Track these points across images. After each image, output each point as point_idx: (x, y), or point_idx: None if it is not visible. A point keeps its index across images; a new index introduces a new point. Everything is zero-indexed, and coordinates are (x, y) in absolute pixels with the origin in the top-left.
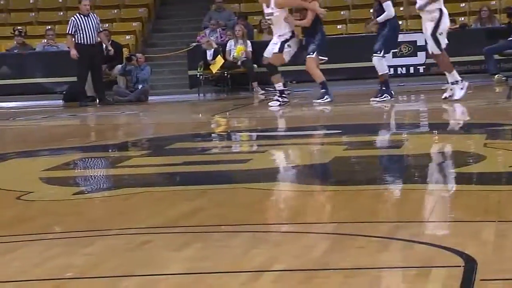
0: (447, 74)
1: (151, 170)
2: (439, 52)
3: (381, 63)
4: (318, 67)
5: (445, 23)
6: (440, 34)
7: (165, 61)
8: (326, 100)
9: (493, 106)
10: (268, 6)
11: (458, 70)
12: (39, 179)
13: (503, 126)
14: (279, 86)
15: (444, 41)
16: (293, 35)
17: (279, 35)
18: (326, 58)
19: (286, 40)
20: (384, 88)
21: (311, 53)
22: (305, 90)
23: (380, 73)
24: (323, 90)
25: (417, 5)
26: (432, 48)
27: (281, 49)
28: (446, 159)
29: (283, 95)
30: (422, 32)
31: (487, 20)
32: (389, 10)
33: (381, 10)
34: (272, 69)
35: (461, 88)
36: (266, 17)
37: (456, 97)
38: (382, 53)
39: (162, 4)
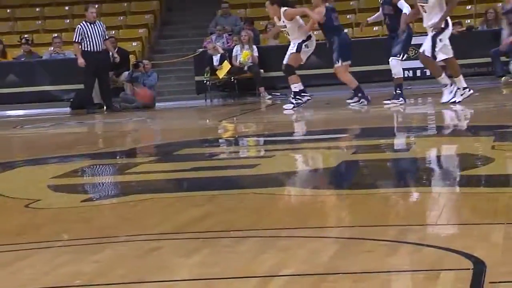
0: (438, 78)
1: (159, 176)
2: (429, 56)
3: (399, 66)
4: (348, 72)
5: (449, 31)
6: (440, 40)
7: (171, 67)
8: (362, 104)
9: (500, 108)
10: (280, 19)
11: (465, 73)
12: (47, 186)
13: (511, 128)
14: (295, 87)
15: (446, 47)
16: (310, 37)
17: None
18: (349, 62)
19: (303, 41)
20: (399, 91)
21: (336, 62)
22: (312, 94)
23: (396, 76)
24: (359, 94)
25: (429, 23)
26: (426, 48)
27: (298, 49)
28: (454, 161)
29: (298, 97)
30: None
31: (494, 22)
32: (406, 8)
33: (395, 12)
34: (289, 70)
35: (450, 92)
36: (281, 29)
37: (442, 100)
38: (401, 56)
39: (168, 10)
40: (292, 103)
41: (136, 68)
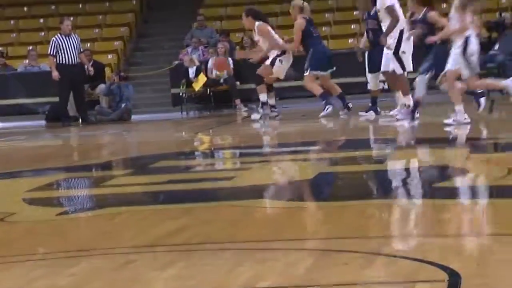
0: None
1: (135, 189)
2: (401, 72)
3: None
4: (314, 81)
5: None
6: (403, 53)
7: (147, 80)
8: (328, 110)
9: (475, 120)
10: (255, 32)
11: (438, 85)
12: (22, 200)
13: (485, 140)
14: (262, 97)
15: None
16: (284, 52)
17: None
18: (323, 72)
19: (277, 56)
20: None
21: (305, 71)
22: (287, 106)
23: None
24: (324, 101)
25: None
26: (394, 67)
27: (272, 63)
28: (429, 173)
29: (263, 107)
30: None
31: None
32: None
33: (379, 27)
34: (258, 80)
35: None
36: (258, 43)
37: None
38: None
39: (143, 22)
40: (259, 112)
41: (125, 80)
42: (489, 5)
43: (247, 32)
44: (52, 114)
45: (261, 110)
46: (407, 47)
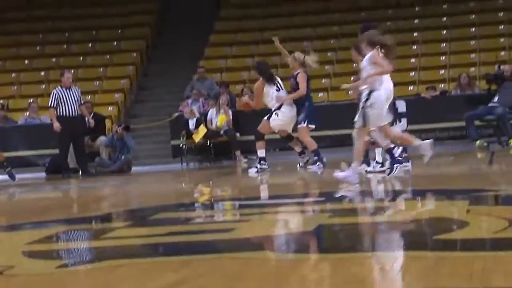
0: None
1: (135, 241)
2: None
3: None
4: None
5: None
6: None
7: (147, 132)
8: (319, 167)
9: (475, 172)
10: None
11: (439, 136)
12: (22, 253)
13: (486, 192)
14: (260, 152)
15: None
16: (280, 106)
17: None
18: (313, 126)
19: (275, 110)
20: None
21: (302, 123)
22: (285, 157)
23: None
24: (316, 157)
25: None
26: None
27: (269, 117)
28: (429, 225)
29: (262, 162)
30: (402, 99)
31: (467, 86)
32: None
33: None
34: (256, 135)
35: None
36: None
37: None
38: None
39: (144, 75)
40: (256, 167)
41: (128, 130)
42: (488, 58)
43: (247, 84)
44: (52, 166)
45: (258, 166)
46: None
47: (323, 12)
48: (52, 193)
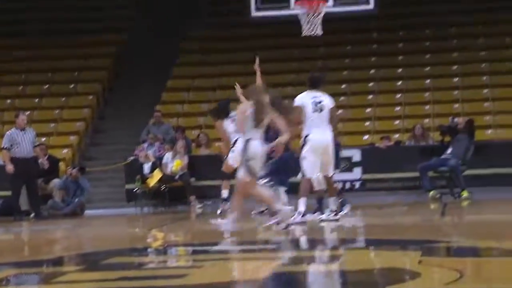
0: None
1: (87, 286)
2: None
3: None
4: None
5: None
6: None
7: (102, 175)
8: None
9: (428, 223)
10: None
11: (393, 187)
12: None
13: (438, 243)
14: (224, 193)
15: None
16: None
17: None
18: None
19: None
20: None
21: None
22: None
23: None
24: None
25: None
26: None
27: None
28: (381, 275)
29: (224, 203)
30: (356, 148)
31: (421, 137)
32: None
33: None
34: (223, 175)
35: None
36: None
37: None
38: None
39: (100, 118)
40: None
41: (83, 173)
42: (442, 110)
43: (203, 129)
44: (4, 208)
45: (221, 207)
46: None
47: (281, 60)
48: (3, 236)
